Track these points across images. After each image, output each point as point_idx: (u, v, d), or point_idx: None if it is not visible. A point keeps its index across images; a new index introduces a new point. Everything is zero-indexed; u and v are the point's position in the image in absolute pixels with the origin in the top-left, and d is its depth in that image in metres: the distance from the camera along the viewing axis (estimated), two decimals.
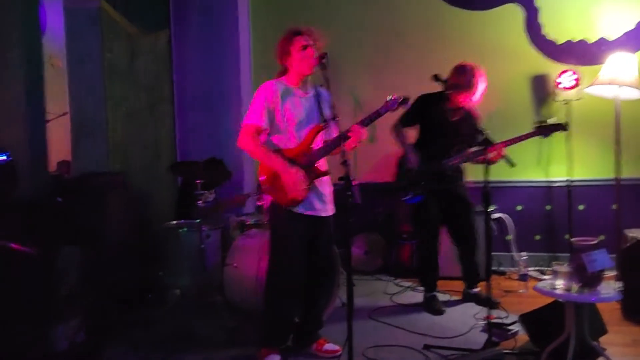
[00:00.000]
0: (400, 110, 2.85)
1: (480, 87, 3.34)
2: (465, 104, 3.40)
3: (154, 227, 4.17)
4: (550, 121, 3.36)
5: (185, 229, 3.50)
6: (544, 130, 3.37)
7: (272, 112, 2.68)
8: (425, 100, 3.46)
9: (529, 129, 3.29)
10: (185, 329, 3.12)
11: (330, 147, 2.68)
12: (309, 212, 2.70)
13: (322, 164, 2.76)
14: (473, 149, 3.45)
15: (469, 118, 3.52)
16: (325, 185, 2.80)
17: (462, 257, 3.65)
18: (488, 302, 3.44)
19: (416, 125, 3.55)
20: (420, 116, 3.46)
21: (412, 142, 3.57)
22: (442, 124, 3.45)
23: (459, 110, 3.46)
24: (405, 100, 2.65)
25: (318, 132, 2.72)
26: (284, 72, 2.76)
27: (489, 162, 2.96)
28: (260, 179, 2.70)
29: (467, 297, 3.68)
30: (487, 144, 3.34)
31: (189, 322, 3.14)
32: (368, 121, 2.66)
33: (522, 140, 3.37)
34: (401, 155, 3.56)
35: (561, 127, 3.36)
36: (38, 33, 3.11)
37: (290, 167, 2.62)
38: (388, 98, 2.65)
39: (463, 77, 3.31)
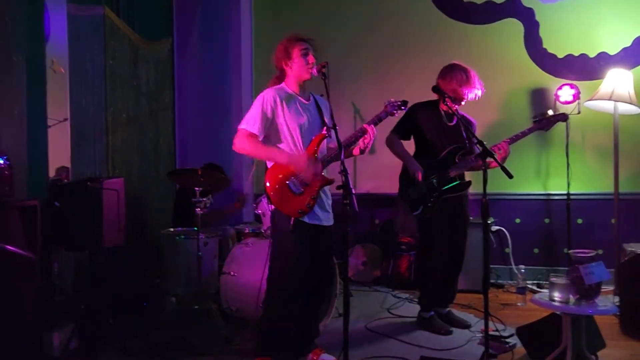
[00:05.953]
0: (398, 115, 2.83)
1: (477, 81, 3.26)
2: (464, 101, 3.23)
3: (152, 234, 4.16)
4: (550, 113, 3.20)
5: (182, 236, 3.48)
6: (545, 123, 3.22)
7: (272, 120, 2.66)
8: (418, 109, 3.35)
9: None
10: (181, 336, 3.09)
11: (333, 158, 2.67)
12: (313, 222, 2.67)
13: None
14: (476, 154, 3.24)
15: (465, 123, 3.28)
16: (328, 194, 2.79)
17: (450, 272, 3.40)
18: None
19: (410, 136, 3.42)
20: (415, 125, 3.34)
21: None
22: (440, 130, 3.33)
23: (454, 115, 3.31)
24: (404, 104, 2.69)
25: (321, 140, 2.72)
26: (281, 77, 2.76)
27: (491, 167, 2.71)
28: (265, 185, 2.66)
29: (442, 318, 3.42)
30: (487, 153, 2.93)
31: (184, 330, 3.12)
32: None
33: (526, 135, 3.24)
34: (403, 169, 3.39)
35: (562, 116, 3.22)
36: (42, 40, 3.13)
37: (293, 154, 2.60)
38: (387, 102, 2.70)
39: (458, 73, 3.25)
